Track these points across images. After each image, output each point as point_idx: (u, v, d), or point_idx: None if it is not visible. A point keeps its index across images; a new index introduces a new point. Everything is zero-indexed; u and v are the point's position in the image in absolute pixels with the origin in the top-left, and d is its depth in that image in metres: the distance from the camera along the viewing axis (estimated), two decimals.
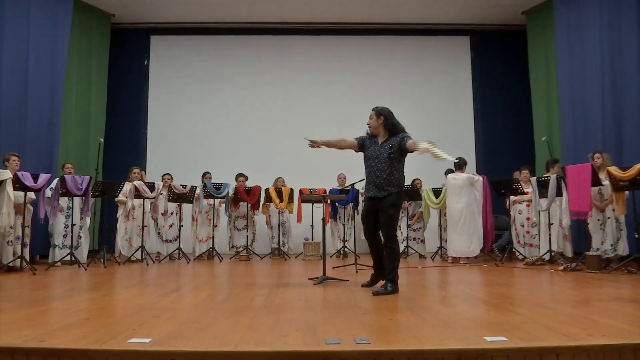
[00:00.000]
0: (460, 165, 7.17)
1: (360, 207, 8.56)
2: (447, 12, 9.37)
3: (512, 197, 7.50)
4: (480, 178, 7.17)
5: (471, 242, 6.89)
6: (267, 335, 2.50)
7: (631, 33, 6.99)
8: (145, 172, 9.51)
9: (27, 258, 6.20)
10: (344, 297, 3.83)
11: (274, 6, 9.13)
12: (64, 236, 6.80)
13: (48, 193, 6.38)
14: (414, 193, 7.96)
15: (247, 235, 8.10)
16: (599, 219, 6.25)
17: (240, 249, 8.16)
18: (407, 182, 7.92)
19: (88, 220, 7.01)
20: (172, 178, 8.07)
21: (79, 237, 6.90)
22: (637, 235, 5.55)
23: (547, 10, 8.58)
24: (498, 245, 8.19)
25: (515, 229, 7.54)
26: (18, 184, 5.85)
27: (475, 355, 2.19)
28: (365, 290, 4.18)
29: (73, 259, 6.44)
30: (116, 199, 7.16)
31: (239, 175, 8.29)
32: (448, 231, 7.19)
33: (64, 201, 6.79)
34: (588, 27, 7.60)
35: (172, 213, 7.93)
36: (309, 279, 5.01)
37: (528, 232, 7.45)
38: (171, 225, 7.92)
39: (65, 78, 8.00)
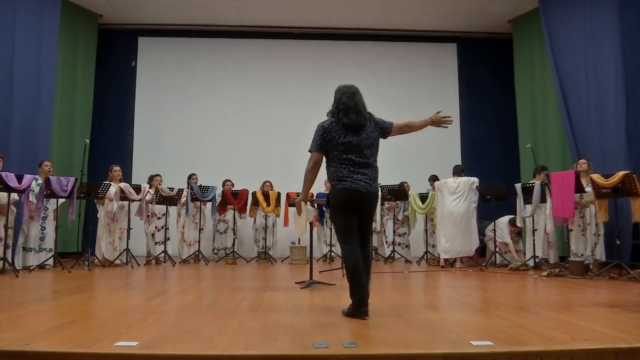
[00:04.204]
0: (459, 171, 7.33)
1: None
2: (435, 19, 9.48)
3: None
4: (477, 179, 7.24)
5: (471, 240, 6.98)
6: (255, 339, 2.50)
7: (613, 41, 7.11)
8: (131, 173, 9.45)
9: (10, 260, 6.10)
10: (331, 301, 3.84)
11: (262, 10, 9.14)
12: (41, 239, 6.68)
13: (32, 197, 6.25)
14: (400, 193, 7.97)
15: (235, 239, 8.13)
16: (579, 225, 6.36)
17: (219, 251, 8.37)
18: (395, 182, 8.09)
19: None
20: (161, 180, 8.02)
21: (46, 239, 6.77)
22: (618, 242, 5.64)
23: (533, 19, 8.72)
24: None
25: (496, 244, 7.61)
26: (1, 185, 5.76)
27: (462, 359, 2.22)
28: None
29: (57, 262, 6.34)
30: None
31: (226, 180, 8.50)
32: (444, 233, 7.09)
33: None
34: (573, 36, 7.72)
35: (162, 215, 7.84)
36: (295, 282, 5.00)
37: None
38: (160, 228, 7.82)
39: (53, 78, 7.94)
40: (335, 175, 3.25)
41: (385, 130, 3.41)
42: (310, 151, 3.31)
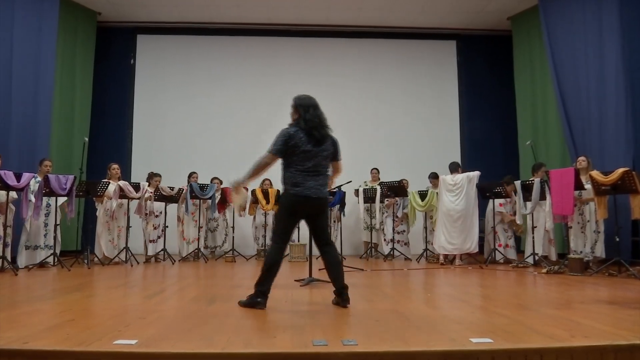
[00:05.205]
0: (455, 168, 7.32)
1: (347, 208, 8.59)
2: (434, 16, 9.46)
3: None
4: (477, 172, 7.20)
5: (471, 239, 6.96)
6: (254, 336, 2.50)
7: (613, 39, 7.10)
8: (130, 171, 9.44)
9: (9, 258, 6.09)
10: (331, 298, 3.83)
11: (262, 7, 9.12)
12: (45, 235, 6.67)
13: (31, 197, 6.22)
14: (400, 190, 7.97)
15: (226, 237, 8.23)
16: (579, 222, 6.37)
17: (214, 249, 8.49)
18: (394, 177, 8.11)
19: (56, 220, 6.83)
20: (160, 179, 8.01)
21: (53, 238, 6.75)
22: (617, 239, 5.65)
23: (533, 17, 8.70)
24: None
25: (496, 233, 7.61)
26: (0, 183, 5.75)
27: (461, 357, 2.21)
28: (351, 293, 4.18)
29: (56, 260, 6.34)
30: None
31: (214, 178, 8.49)
32: (443, 230, 7.11)
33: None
34: (572, 34, 7.71)
35: (160, 213, 7.84)
36: (295, 280, 5.00)
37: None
38: (156, 226, 7.82)
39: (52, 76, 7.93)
40: (290, 180, 3.43)
41: (335, 156, 3.64)
42: (269, 152, 3.43)
